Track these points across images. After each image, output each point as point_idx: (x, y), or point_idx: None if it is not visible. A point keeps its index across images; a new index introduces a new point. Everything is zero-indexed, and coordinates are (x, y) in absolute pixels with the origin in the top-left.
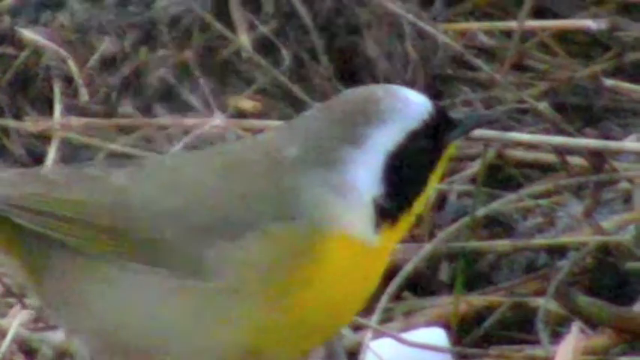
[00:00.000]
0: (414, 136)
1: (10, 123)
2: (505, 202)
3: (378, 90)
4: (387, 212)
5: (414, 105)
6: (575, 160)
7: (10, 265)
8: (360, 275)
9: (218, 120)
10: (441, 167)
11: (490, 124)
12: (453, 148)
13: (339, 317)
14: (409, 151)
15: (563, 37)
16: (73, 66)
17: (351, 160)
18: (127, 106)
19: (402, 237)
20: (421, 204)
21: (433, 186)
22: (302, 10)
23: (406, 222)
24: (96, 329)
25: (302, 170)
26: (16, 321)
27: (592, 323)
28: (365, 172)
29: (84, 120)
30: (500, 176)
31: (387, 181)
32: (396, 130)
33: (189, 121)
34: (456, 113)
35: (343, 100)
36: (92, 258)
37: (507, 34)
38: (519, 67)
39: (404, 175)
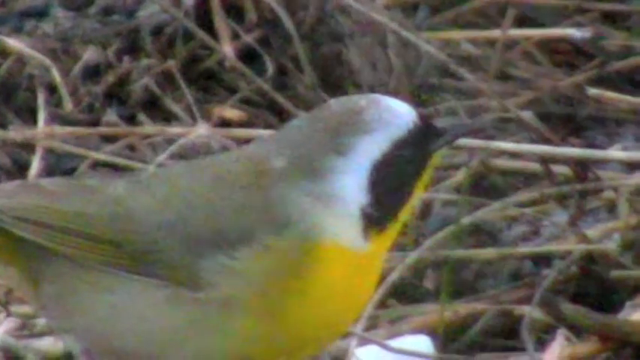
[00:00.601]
0: (399, 145)
1: None
2: (490, 211)
3: (362, 100)
4: (375, 220)
5: (398, 114)
6: (559, 169)
7: (6, 272)
8: (353, 285)
9: (202, 129)
10: (426, 176)
11: (475, 133)
12: (439, 157)
13: (333, 328)
14: (394, 159)
15: (547, 46)
16: (56, 75)
17: (336, 169)
18: (111, 115)
19: (391, 244)
20: (407, 211)
21: (419, 194)
22: (285, 19)
23: (394, 229)
24: (91, 336)
25: (289, 181)
26: (2, 329)
27: (577, 331)
28: (351, 181)
29: (68, 129)
30: (485, 185)
31: (373, 190)
32: (381, 139)
33: (173, 130)
34: (442, 122)
35: (328, 110)
36: (89, 267)
37: (491, 42)
38: (503, 76)
39: (389, 183)
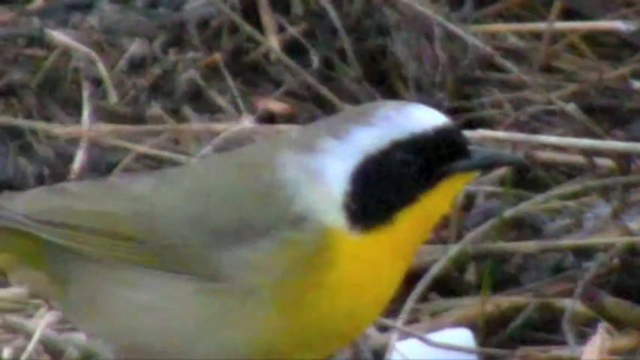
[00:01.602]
0: (399, 147)
1: (39, 125)
2: (533, 204)
3: (389, 102)
4: (354, 212)
5: (411, 117)
6: (603, 162)
7: (33, 277)
8: (365, 275)
9: (247, 122)
10: (444, 191)
11: (505, 165)
12: (466, 178)
13: (353, 321)
14: (390, 160)
15: (592, 38)
16: (102, 68)
17: (328, 150)
18: (155, 108)
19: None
20: (411, 220)
21: (431, 207)
22: (331, 12)
23: (391, 231)
24: (117, 333)
25: (287, 150)
26: (42, 322)
27: (618, 324)
28: (337, 165)
29: (112, 126)
30: (529, 178)
31: (358, 181)
32: (380, 135)
33: (217, 125)
34: (478, 147)
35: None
36: (114, 266)
37: (537, 35)
38: (548, 68)
39: (379, 181)
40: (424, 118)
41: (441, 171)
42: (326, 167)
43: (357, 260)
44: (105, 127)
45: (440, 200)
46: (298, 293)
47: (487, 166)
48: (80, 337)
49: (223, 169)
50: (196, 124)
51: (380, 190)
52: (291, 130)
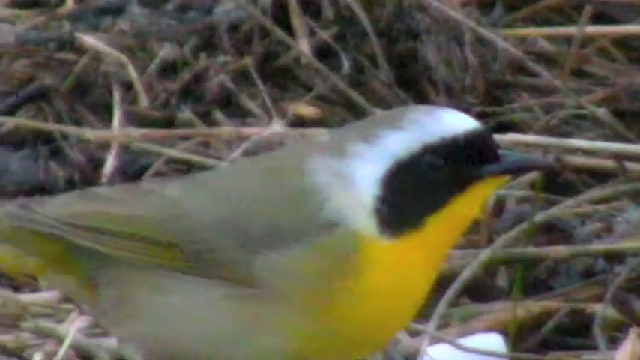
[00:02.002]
0: (429, 151)
1: (70, 129)
2: (563, 208)
3: (419, 106)
4: (386, 217)
5: (441, 122)
6: (633, 166)
7: (64, 281)
8: (396, 281)
9: (277, 126)
10: (474, 196)
11: (533, 170)
12: (496, 182)
13: (385, 327)
14: (421, 164)
15: (623, 43)
16: (132, 72)
17: (358, 154)
18: (186, 112)
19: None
20: (441, 225)
21: (461, 212)
22: (362, 16)
23: (421, 235)
24: (148, 337)
25: (317, 154)
26: (74, 327)
27: None
28: (368, 169)
29: (142, 131)
30: (559, 182)
31: (389, 186)
32: (411, 139)
33: (247, 130)
34: (508, 152)
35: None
36: (146, 270)
37: (567, 39)
38: (579, 72)
39: (410, 186)
40: (454, 122)
41: (472, 175)
42: (356, 172)
43: (388, 266)
44: (135, 132)
45: (470, 205)
46: (329, 299)
47: (517, 170)
48: (111, 341)
49: (253, 174)
50: (227, 128)
51: (410, 195)
52: (321, 134)
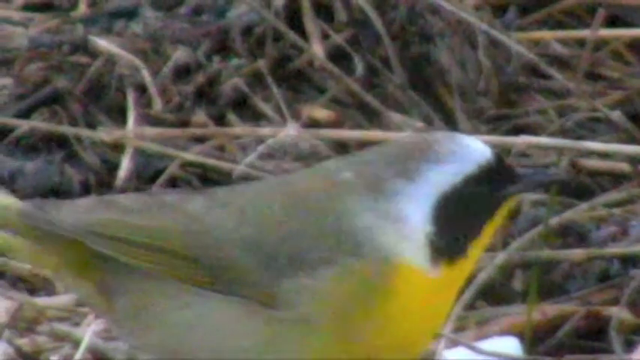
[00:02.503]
0: (470, 181)
1: (84, 132)
2: (579, 212)
3: (437, 133)
4: (440, 250)
5: (472, 150)
6: None
7: (80, 286)
8: (428, 310)
9: (292, 129)
10: (498, 217)
11: (553, 184)
12: (513, 201)
13: (407, 349)
14: (464, 194)
15: (637, 45)
16: (146, 75)
17: (403, 193)
18: (200, 115)
19: (464, 278)
20: (478, 250)
21: (490, 235)
22: (375, 19)
23: (464, 263)
24: (164, 348)
25: (354, 194)
26: (90, 330)
27: None
28: (415, 206)
29: (158, 130)
30: (574, 185)
31: (439, 220)
32: (452, 172)
33: (263, 131)
34: (520, 170)
35: (404, 139)
36: (166, 282)
37: (580, 42)
38: (593, 75)
39: (456, 217)
40: (480, 148)
41: (501, 197)
42: (403, 210)
43: (421, 291)
44: (150, 131)
45: (497, 224)
46: (358, 322)
47: (538, 186)
48: (127, 345)
49: (275, 195)
50: (241, 128)
51: (457, 225)
52: (338, 135)
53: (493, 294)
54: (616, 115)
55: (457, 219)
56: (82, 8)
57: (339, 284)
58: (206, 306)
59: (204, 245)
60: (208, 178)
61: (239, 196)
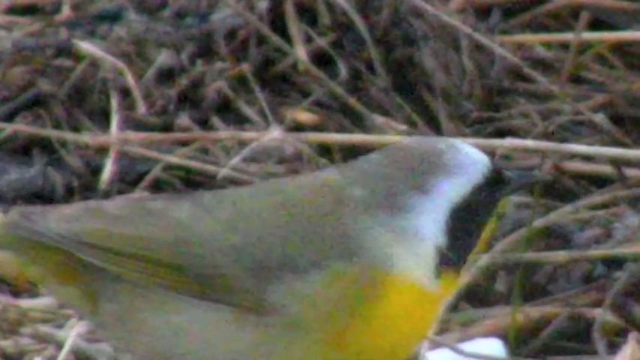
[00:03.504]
0: (477, 190)
1: (68, 135)
2: (562, 214)
3: (440, 142)
4: (448, 261)
5: (476, 160)
6: (632, 172)
7: (64, 291)
8: (416, 318)
9: (275, 132)
10: (491, 221)
11: (537, 184)
12: (503, 204)
13: (392, 355)
14: (472, 204)
15: (621, 49)
16: (130, 78)
17: (417, 207)
18: (184, 119)
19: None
20: (473, 255)
21: (484, 238)
22: (359, 22)
23: (460, 273)
24: (151, 354)
25: (368, 212)
26: (73, 332)
27: None
28: (430, 220)
29: (141, 134)
30: (558, 188)
31: (451, 232)
32: (461, 183)
33: (247, 134)
34: (507, 171)
35: (407, 149)
36: (152, 289)
37: (564, 46)
38: (576, 79)
39: (465, 227)
40: (482, 157)
41: (497, 200)
42: (418, 224)
43: (414, 301)
44: (134, 135)
45: (490, 227)
46: (346, 327)
47: (523, 187)
48: (111, 347)
49: (268, 201)
50: (225, 132)
51: (465, 234)
52: (322, 139)
53: (477, 296)
54: (599, 118)
55: (465, 230)
56: (66, 12)
57: (327, 288)
58: (194, 312)
59: (191, 253)
60: (192, 181)
61: (227, 202)
